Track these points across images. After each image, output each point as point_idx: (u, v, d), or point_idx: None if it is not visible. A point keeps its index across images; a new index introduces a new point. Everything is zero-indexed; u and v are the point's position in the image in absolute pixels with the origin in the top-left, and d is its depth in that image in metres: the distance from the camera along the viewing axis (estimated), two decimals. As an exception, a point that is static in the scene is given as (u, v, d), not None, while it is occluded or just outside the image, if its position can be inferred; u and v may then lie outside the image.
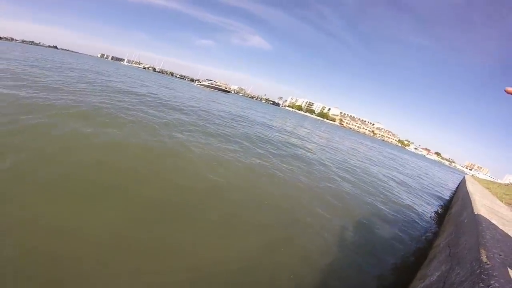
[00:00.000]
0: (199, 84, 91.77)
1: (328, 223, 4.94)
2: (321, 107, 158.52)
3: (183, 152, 6.59)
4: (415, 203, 9.39)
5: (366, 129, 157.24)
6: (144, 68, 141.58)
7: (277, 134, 15.56)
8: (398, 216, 7.08)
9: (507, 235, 2.34)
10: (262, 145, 10.39)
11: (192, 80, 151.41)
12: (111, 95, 12.01)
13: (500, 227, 2.62)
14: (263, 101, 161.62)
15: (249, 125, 15.99)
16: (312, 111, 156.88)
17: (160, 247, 3.00)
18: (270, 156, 8.85)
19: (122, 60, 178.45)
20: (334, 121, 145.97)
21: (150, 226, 3.34)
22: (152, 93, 17.72)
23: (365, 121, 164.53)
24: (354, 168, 12.10)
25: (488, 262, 1.48)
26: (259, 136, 12.25)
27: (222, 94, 69.20)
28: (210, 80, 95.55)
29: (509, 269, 1.40)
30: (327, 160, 12.00)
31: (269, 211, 4.70)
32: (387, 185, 10.80)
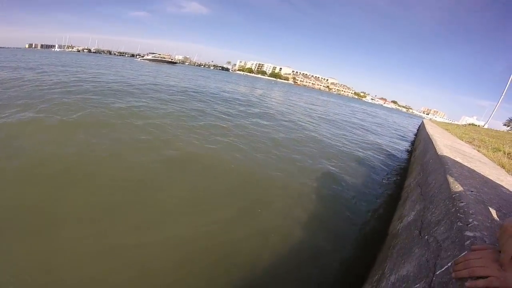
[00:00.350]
0: (143, 59, 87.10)
1: (302, 175, 4.97)
2: (272, 68, 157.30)
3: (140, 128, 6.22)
4: (382, 146, 9.86)
5: (321, 85, 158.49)
6: (79, 51, 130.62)
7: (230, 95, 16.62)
8: (371, 160, 7.38)
9: (473, 171, 2.36)
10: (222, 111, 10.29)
11: (132, 55, 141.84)
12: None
13: (466, 164, 2.61)
14: (212, 67, 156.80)
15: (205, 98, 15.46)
16: (263, 73, 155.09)
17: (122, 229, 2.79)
18: (229, 122, 8.59)
19: (52, 46, 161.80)
20: (288, 80, 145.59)
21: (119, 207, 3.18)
22: (94, 77, 15.62)
23: (318, 77, 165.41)
24: (310, 121, 12.53)
25: (462, 200, 1.46)
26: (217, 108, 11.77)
27: (169, 66, 66.08)
28: (154, 53, 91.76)
29: (484, 205, 1.37)
30: (289, 115, 12.58)
31: (237, 176, 4.55)
32: (353, 133, 11.49)
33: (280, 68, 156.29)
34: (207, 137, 6.43)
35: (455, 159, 2.80)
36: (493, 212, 1.34)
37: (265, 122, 9.55)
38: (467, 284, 0.81)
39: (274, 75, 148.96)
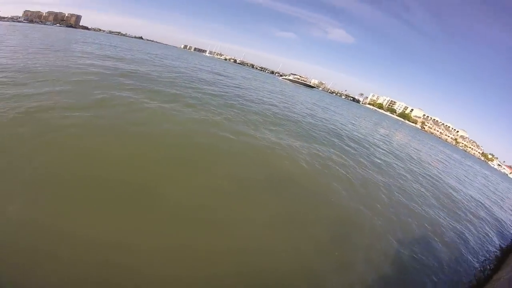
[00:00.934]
0: (284, 78, 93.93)
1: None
2: (403, 107, 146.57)
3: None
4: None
5: (448, 136, 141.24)
6: (226, 60, 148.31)
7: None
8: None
9: None
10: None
11: (272, 72, 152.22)
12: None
13: None
14: (343, 97, 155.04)
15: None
16: (393, 111, 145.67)
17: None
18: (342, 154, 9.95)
19: (204, 51, 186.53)
20: (416, 123, 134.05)
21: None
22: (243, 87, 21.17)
23: (449, 127, 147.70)
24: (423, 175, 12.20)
25: None
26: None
27: (306, 89, 70.67)
28: (295, 75, 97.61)
29: None
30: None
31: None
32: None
33: (411, 110, 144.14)
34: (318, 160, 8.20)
35: None
36: None
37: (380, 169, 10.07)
38: None
39: (403, 115, 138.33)
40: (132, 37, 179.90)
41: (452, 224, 7.52)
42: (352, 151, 11.03)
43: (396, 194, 7.89)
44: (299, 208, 5.23)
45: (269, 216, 4.64)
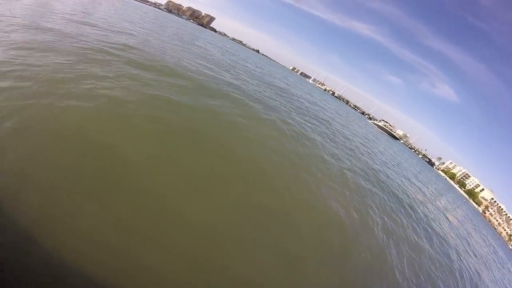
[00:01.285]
0: (373, 123, 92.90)
1: None
2: (474, 184, 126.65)
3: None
4: None
5: (505, 230, 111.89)
6: (325, 90, 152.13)
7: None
8: None
9: None
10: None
11: (363, 113, 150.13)
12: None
13: None
14: (420, 156, 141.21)
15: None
16: (463, 185, 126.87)
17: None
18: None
19: (308, 77, 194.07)
20: (479, 205, 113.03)
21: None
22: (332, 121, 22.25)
23: (510, 219, 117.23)
24: None
25: None
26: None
27: (389, 138, 68.79)
28: (386, 123, 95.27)
29: None
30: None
31: None
32: None
33: (482, 189, 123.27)
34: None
35: None
36: None
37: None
38: None
39: (470, 193, 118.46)
40: (251, 49, 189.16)
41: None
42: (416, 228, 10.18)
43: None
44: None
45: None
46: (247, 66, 30.81)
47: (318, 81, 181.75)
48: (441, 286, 7.10)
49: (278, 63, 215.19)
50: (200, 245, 3.70)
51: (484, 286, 9.96)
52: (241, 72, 22.40)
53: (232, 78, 16.84)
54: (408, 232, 8.93)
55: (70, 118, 5.07)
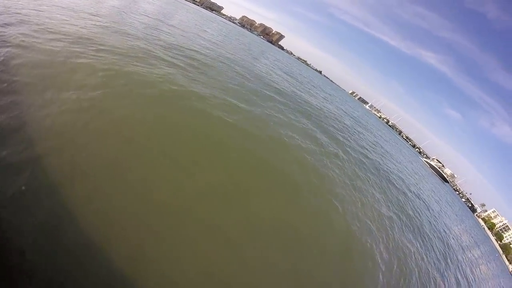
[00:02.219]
0: (426, 161, 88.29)
1: None
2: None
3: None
4: None
5: None
6: (380, 118, 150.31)
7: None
8: None
9: None
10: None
11: (413, 146, 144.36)
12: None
13: None
14: (464, 199, 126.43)
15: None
16: (501, 238, 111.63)
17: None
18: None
19: (366, 103, 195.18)
20: (510, 263, 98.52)
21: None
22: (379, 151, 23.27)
23: None
24: None
25: None
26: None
27: (438, 180, 66.48)
28: (439, 162, 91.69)
29: None
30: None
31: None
32: None
33: None
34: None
35: None
36: None
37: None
38: None
39: (506, 248, 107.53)
40: (314, 69, 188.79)
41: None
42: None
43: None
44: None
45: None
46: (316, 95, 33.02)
47: (374, 107, 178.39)
48: None
49: (339, 86, 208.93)
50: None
51: None
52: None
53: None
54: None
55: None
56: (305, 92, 28.40)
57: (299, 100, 20.70)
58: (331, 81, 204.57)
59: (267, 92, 16.43)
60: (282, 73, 33.13)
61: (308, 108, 19.74)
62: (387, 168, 19.23)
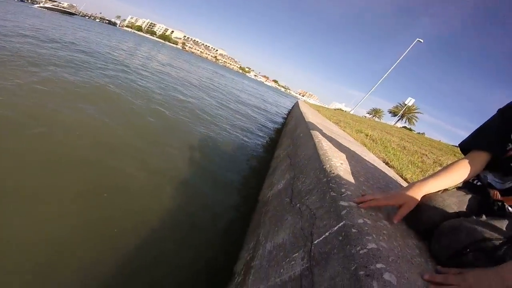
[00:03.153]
0: (40, 7, 67.46)
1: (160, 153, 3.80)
2: (163, 29, 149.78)
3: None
4: (255, 121, 9.71)
5: (209, 55, 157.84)
6: None
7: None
8: (244, 132, 6.97)
9: (341, 146, 2.46)
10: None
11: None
12: None
13: (334, 139, 2.73)
14: (98, 20, 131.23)
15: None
16: (153, 33, 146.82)
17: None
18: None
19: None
20: (177, 44, 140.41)
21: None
22: None
23: (208, 46, 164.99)
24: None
25: (333, 171, 1.41)
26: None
27: (64, 16, 51.63)
28: (54, 2, 76.71)
29: (354, 176, 1.41)
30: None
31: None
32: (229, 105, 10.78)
33: (172, 31, 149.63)
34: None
35: (324, 134, 2.83)
36: (363, 183, 1.37)
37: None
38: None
39: (163, 37, 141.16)
40: None
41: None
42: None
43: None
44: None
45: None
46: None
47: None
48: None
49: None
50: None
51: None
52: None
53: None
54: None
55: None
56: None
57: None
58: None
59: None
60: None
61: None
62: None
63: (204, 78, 19.18)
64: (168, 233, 2.29)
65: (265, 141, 7.13)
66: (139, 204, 2.54)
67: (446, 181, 1.04)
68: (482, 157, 1.07)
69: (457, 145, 1.24)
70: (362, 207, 1.02)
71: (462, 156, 1.16)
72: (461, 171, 1.05)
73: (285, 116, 14.95)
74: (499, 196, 1.00)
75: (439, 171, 1.09)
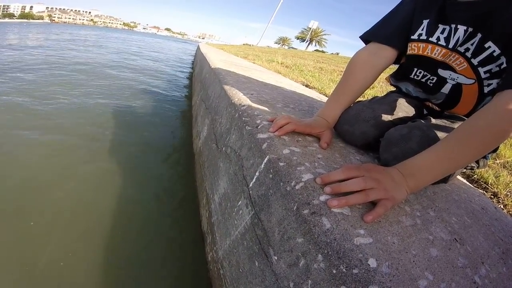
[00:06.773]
0: None
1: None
2: (20, 8, 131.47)
3: None
4: (162, 72, 8.57)
5: (83, 19, 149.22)
6: None
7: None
8: (154, 85, 6.16)
9: (250, 77, 2.35)
10: None
11: None
12: None
13: (242, 73, 2.60)
14: None
15: None
16: (11, 15, 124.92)
17: None
18: None
19: None
20: (43, 19, 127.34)
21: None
22: None
23: (79, 11, 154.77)
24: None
25: (243, 104, 1.31)
26: None
27: None
28: None
29: (269, 104, 1.34)
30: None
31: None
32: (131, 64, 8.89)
33: (31, 7, 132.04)
34: None
35: (229, 69, 2.71)
36: (282, 108, 1.30)
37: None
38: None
39: (25, 16, 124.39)
40: None
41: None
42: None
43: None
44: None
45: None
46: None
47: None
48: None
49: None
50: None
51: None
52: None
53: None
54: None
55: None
56: None
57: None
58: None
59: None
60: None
61: None
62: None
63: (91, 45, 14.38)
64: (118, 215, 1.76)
65: (183, 94, 6.23)
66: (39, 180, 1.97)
67: (350, 90, 0.93)
68: (385, 52, 0.91)
69: (359, 36, 1.03)
70: (278, 135, 0.85)
71: None
72: (364, 70, 0.92)
73: (191, 61, 13.52)
74: (436, 108, 0.91)
75: (340, 83, 0.96)
